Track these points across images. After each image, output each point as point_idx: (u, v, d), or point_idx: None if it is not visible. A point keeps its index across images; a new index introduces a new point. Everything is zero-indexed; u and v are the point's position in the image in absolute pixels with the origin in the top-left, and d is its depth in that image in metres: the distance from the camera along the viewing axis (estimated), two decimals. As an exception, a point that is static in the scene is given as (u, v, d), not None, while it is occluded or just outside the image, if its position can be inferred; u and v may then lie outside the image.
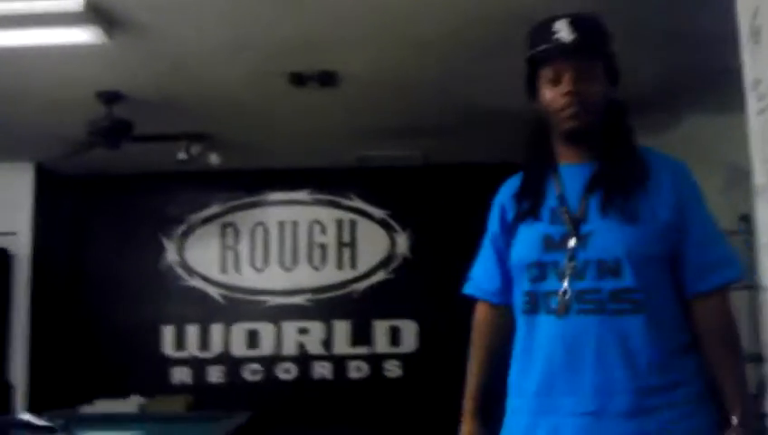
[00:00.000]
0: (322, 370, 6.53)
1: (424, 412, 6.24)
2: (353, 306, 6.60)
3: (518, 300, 1.89)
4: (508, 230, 1.94)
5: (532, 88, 1.88)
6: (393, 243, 6.66)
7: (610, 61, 1.84)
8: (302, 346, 6.55)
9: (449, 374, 6.35)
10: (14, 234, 6.00)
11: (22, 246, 6.04)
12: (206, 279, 6.64)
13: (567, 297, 1.73)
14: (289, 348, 6.55)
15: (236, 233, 6.71)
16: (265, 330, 6.57)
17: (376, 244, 6.66)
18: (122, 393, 5.99)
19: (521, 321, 1.87)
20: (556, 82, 1.79)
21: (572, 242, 1.76)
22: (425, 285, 6.53)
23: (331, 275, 6.66)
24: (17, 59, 3.82)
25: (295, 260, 6.68)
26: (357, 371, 6.53)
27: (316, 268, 6.67)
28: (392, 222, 6.67)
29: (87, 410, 5.63)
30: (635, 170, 1.80)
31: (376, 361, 6.54)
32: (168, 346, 6.54)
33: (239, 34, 3.68)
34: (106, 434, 3.79)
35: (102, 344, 6.41)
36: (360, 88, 4.50)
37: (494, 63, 4.11)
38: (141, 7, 3.32)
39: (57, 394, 5.89)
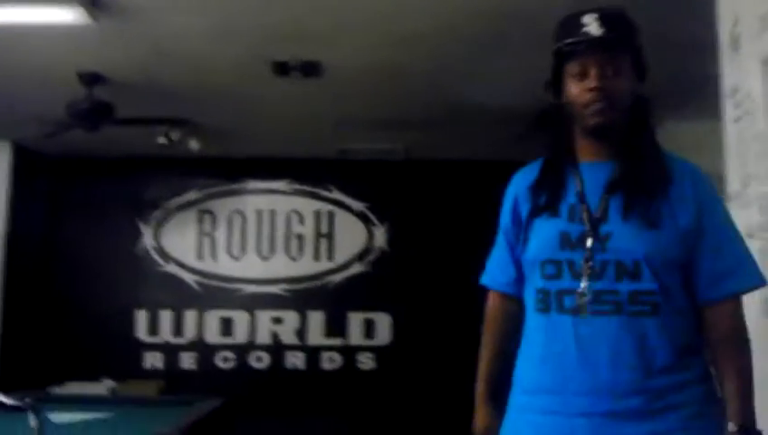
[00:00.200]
0: (295, 360, 6.54)
1: (396, 405, 6.28)
2: (329, 298, 6.62)
3: (530, 297, 1.86)
4: (520, 223, 1.89)
5: (557, 81, 1.84)
6: (371, 236, 6.67)
7: (638, 55, 1.81)
8: (275, 335, 6.56)
9: (422, 368, 6.44)
10: (-12, 213, 5.94)
11: (-4, 225, 5.98)
12: (181, 265, 6.62)
13: (584, 297, 1.72)
14: (263, 337, 6.56)
15: (214, 220, 6.69)
16: (240, 318, 6.57)
17: (354, 236, 6.68)
18: (94, 376, 5.97)
19: (532, 318, 1.84)
20: (582, 76, 1.75)
21: (590, 242, 1.74)
22: (401, 278, 6.56)
23: (307, 265, 6.67)
24: (-2, 37, 3.79)
25: (272, 249, 6.68)
26: (330, 362, 6.54)
27: (293, 258, 6.68)
28: (371, 215, 6.69)
29: (57, 391, 5.59)
30: (658, 173, 1.77)
31: (349, 353, 6.56)
32: (141, 331, 6.52)
33: (224, 20, 3.66)
34: (75, 415, 3.75)
35: (75, 327, 6.37)
36: (343, 80, 4.50)
37: (480, 60, 4.13)
38: (126, -11, 3.31)
39: (28, 375, 5.85)
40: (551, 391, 1.76)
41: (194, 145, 5.58)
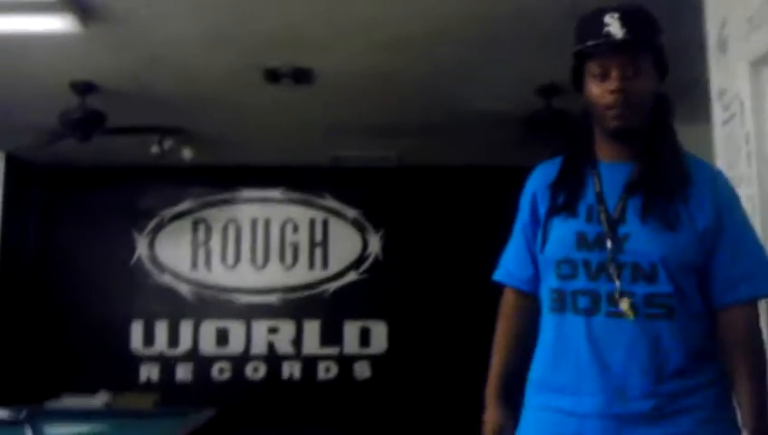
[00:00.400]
0: (292, 370, 6.51)
1: (392, 414, 6.26)
2: (324, 306, 6.60)
3: (545, 296, 1.85)
4: (537, 221, 1.88)
5: (578, 81, 1.83)
6: (365, 243, 6.66)
7: (660, 54, 1.79)
8: (271, 345, 6.53)
9: (418, 376, 6.42)
10: (-19, 224, 5.93)
11: (-11, 236, 5.96)
12: (176, 275, 6.60)
13: (600, 299, 1.71)
14: (259, 347, 6.53)
15: (208, 229, 6.67)
16: (235, 328, 6.54)
17: (348, 244, 6.67)
18: (89, 389, 5.94)
19: (548, 318, 1.84)
20: (604, 77, 1.74)
21: (608, 243, 1.73)
22: (396, 286, 6.55)
23: (302, 274, 6.65)
24: (-11, 46, 3.79)
25: (267, 258, 6.67)
26: (326, 371, 6.52)
27: (288, 267, 6.66)
28: (365, 222, 6.68)
29: (53, 404, 5.57)
30: (678, 175, 1.76)
31: (346, 362, 6.54)
32: (136, 342, 6.49)
33: (214, 28, 3.67)
34: (71, 428, 3.75)
35: (70, 339, 6.34)
36: (335, 86, 4.51)
37: (473, 65, 4.14)
38: (117, -2, 3.31)
39: (23, 388, 5.82)
40: (564, 391, 1.75)
41: (187, 154, 5.58)
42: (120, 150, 5.73)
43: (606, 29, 1.72)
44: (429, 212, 6.60)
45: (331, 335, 6.55)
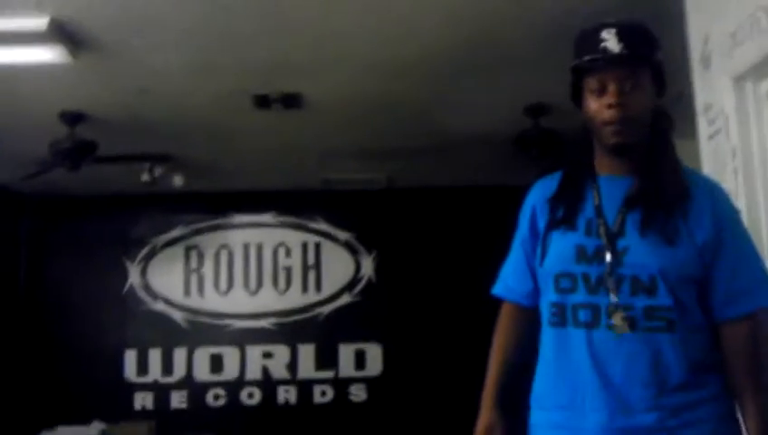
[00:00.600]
0: (287, 394, 6.48)
1: (389, 436, 6.23)
2: (318, 330, 6.58)
3: (545, 311, 1.84)
4: (536, 235, 1.88)
5: (576, 96, 1.83)
6: (358, 266, 6.66)
7: (658, 69, 1.79)
8: (266, 370, 6.50)
9: (414, 397, 6.39)
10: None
11: (-20, 267, 5.94)
12: (169, 303, 6.58)
13: (600, 312, 1.71)
14: (253, 372, 6.50)
15: (200, 256, 6.66)
16: (229, 354, 6.51)
17: (341, 267, 6.66)
18: (83, 419, 5.88)
19: (548, 333, 1.83)
20: (601, 92, 1.74)
21: (608, 256, 1.72)
22: (390, 307, 6.54)
23: (295, 298, 6.64)
24: (-21, 78, 3.80)
25: (260, 283, 6.65)
26: (322, 395, 6.49)
27: (281, 291, 6.65)
28: (357, 245, 6.68)
29: (47, 435, 5.51)
30: (677, 189, 1.75)
31: (341, 385, 6.51)
32: (130, 371, 6.44)
33: (203, 56, 3.69)
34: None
35: (64, 369, 6.29)
36: (325, 111, 4.53)
37: (460, 87, 4.17)
38: (106, 27, 3.33)
39: (17, 420, 5.78)
40: (565, 407, 1.74)
41: (178, 181, 5.58)
42: (111, 179, 5.73)
43: (603, 44, 1.73)
44: (421, 233, 6.61)
45: (326, 359, 6.52)
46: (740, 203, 2.36)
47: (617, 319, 1.69)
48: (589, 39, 1.77)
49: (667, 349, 1.68)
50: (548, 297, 1.82)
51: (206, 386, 6.45)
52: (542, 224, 1.88)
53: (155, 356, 6.47)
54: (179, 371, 6.46)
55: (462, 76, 4.02)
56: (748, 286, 1.74)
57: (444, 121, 4.75)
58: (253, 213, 6.71)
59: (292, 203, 6.69)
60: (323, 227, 6.71)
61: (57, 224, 6.62)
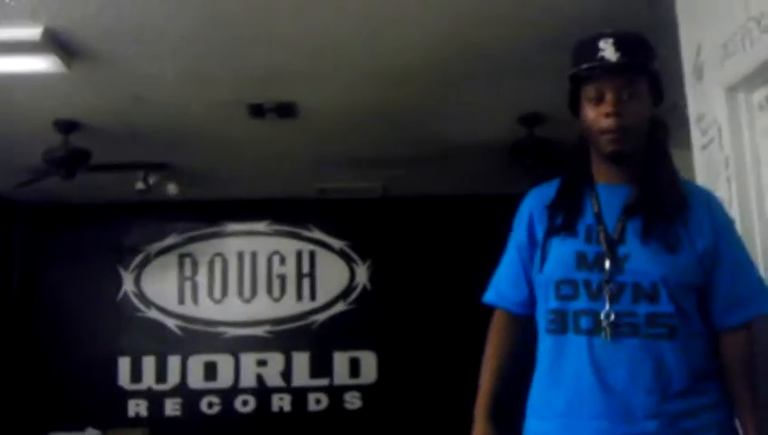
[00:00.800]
0: (281, 402, 6.47)
1: (384, 444, 6.23)
2: (313, 338, 6.57)
3: (542, 318, 1.83)
4: (535, 242, 1.87)
5: (574, 104, 1.84)
6: (353, 274, 6.66)
7: (655, 79, 1.80)
8: (260, 378, 6.49)
9: (409, 406, 6.38)
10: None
11: (-26, 276, 5.92)
12: (163, 310, 6.56)
13: (601, 319, 1.70)
14: (247, 380, 6.48)
15: (194, 264, 6.65)
16: (223, 362, 6.50)
17: (335, 275, 6.66)
18: (77, 426, 5.86)
19: (546, 340, 1.81)
20: (599, 101, 1.75)
21: (608, 263, 1.72)
22: (384, 316, 6.54)
23: (290, 306, 6.63)
24: (-27, 87, 3.80)
25: (254, 291, 6.64)
26: (316, 403, 6.48)
27: (275, 299, 6.64)
28: (352, 253, 6.68)
29: (40, 443, 5.50)
30: (676, 198, 1.77)
31: (336, 393, 6.50)
32: (124, 378, 6.42)
33: (197, 65, 3.69)
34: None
35: (57, 376, 6.27)
36: (319, 120, 4.54)
37: (456, 96, 4.18)
38: (100, 37, 3.33)
39: (11, 427, 5.75)
40: (564, 415, 1.74)
41: (172, 189, 5.58)
42: (105, 187, 5.72)
43: (601, 53, 1.74)
44: (416, 242, 6.61)
45: (321, 367, 6.51)
46: (733, 212, 2.37)
47: (604, 325, 1.69)
48: (586, 48, 1.78)
49: (669, 356, 1.68)
50: (547, 304, 1.81)
51: (201, 393, 6.44)
52: (540, 231, 1.87)
53: (149, 363, 6.45)
54: (173, 378, 6.45)
55: (457, 85, 4.03)
56: (747, 294, 1.75)
57: (439, 131, 4.76)
58: (247, 221, 6.71)
59: (286, 211, 6.69)
60: (318, 235, 6.71)
61: (51, 232, 6.60)
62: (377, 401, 6.45)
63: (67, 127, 4.37)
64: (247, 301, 6.62)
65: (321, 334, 6.58)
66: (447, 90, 4.10)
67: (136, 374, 6.43)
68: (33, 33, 3.17)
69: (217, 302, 6.60)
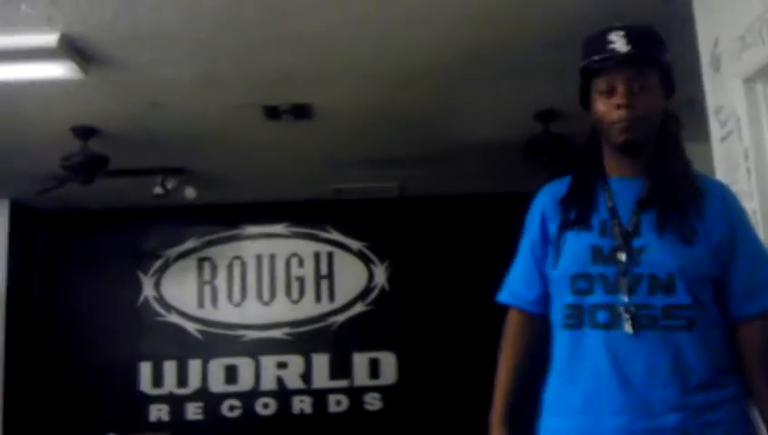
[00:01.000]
0: (302, 404, 6.48)
1: (405, 445, 6.22)
2: (332, 339, 6.58)
3: (558, 314, 1.82)
4: (548, 239, 1.86)
5: (585, 98, 1.83)
6: (371, 275, 6.66)
7: (667, 71, 1.79)
8: (280, 380, 6.51)
9: (430, 406, 6.38)
10: (-12, 271, 5.95)
11: (-4, 283, 5.97)
12: (183, 314, 6.59)
13: (621, 312, 1.69)
14: (268, 383, 6.50)
15: (213, 267, 6.68)
16: (244, 365, 6.52)
17: (354, 276, 6.66)
18: (99, 432, 5.91)
19: (562, 336, 1.80)
20: (610, 93, 1.74)
21: (623, 256, 1.72)
22: (403, 316, 6.53)
23: (309, 307, 6.64)
24: (-9, 94, 3.83)
25: (273, 294, 6.66)
26: (337, 404, 6.48)
27: (294, 301, 6.65)
28: (370, 254, 6.69)
29: (62, 449, 5.54)
30: (690, 189, 1.76)
31: (356, 394, 6.50)
32: (145, 383, 6.46)
33: (212, 70, 3.71)
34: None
35: (79, 382, 6.31)
36: (335, 121, 4.54)
37: (472, 94, 4.17)
38: (115, 43, 3.35)
39: (33, 433, 5.79)
40: (582, 411, 1.72)
41: (190, 193, 5.61)
42: (123, 192, 5.76)
43: (611, 45, 1.74)
44: (433, 241, 6.60)
45: (341, 368, 6.52)
46: (754, 203, 2.35)
47: (626, 319, 1.68)
48: (597, 41, 1.77)
49: (688, 348, 1.67)
50: (563, 300, 1.80)
51: (221, 397, 6.46)
52: (553, 227, 1.86)
53: (170, 368, 6.48)
54: (194, 382, 6.47)
55: (471, 83, 4.02)
56: (765, 284, 1.74)
57: (454, 129, 4.75)
58: (265, 224, 6.73)
59: (303, 213, 6.70)
60: (336, 236, 6.71)
61: (71, 238, 6.66)
62: (397, 401, 6.44)
63: (85, 133, 4.40)
64: (266, 303, 6.64)
65: (340, 336, 6.58)
66: (462, 88, 4.09)
67: (157, 379, 6.47)
68: (49, 39, 3.18)
69: (237, 305, 6.63)
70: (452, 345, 6.34)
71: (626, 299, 1.69)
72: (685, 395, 1.65)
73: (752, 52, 2.33)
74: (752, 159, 2.38)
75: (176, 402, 6.44)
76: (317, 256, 6.70)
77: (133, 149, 4.77)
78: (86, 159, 4.39)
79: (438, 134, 4.87)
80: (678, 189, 1.76)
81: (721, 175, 2.60)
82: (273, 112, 4.29)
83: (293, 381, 6.49)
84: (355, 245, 6.70)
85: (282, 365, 6.51)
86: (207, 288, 6.65)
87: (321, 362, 6.53)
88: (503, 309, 2.00)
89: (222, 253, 6.69)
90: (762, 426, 1.71)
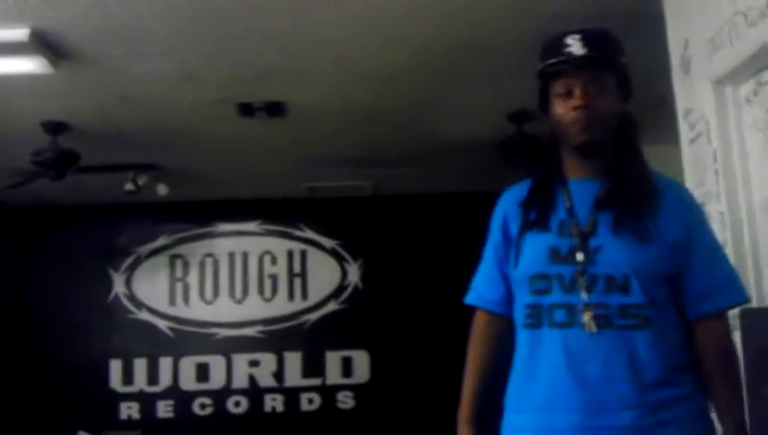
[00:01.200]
0: (274, 402, 6.46)
1: (377, 443, 6.22)
2: (305, 337, 6.57)
3: (519, 313, 1.85)
4: (509, 241, 1.89)
5: (544, 102, 1.85)
6: (344, 273, 6.66)
7: (623, 74, 1.82)
8: (252, 379, 6.48)
9: (402, 404, 6.38)
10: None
11: (-37, 279, 5.89)
12: (154, 312, 6.54)
13: (578, 311, 1.72)
14: (240, 381, 6.47)
15: (185, 265, 6.63)
16: (215, 363, 6.48)
17: (327, 274, 6.65)
18: (69, 429, 5.84)
19: (522, 335, 1.83)
20: (567, 96, 1.76)
21: (581, 256, 1.74)
22: (376, 315, 6.54)
23: (282, 305, 6.62)
24: (-40, 88, 3.78)
25: (246, 291, 6.63)
26: (309, 403, 6.47)
27: (267, 299, 6.63)
28: (343, 252, 6.68)
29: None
30: (646, 190, 1.79)
31: (328, 392, 6.50)
32: (115, 381, 6.41)
33: (185, 65, 3.68)
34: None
35: (48, 380, 6.25)
36: (309, 119, 4.53)
37: (446, 94, 4.18)
38: (87, 37, 3.31)
39: (3, 431, 5.72)
40: (541, 408, 1.75)
41: (162, 190, 5.56)
42: (94, 189, 5.70)
43: (567, 49, 1.77)
44: (407, 240, 6.61)
45: (313, 366, 6.51)
46: (722, 205, 2.38)
47: (586, 317, 1.71)
48: (554, 45, 1.81)
49: (643, 346, 1.70)
50: (523, 300, 1.84)
51: (193, 395, 6.42)
52: (514, 228, 1.89)
53: (140, 366, 6.43)
54: (165, 380, 6.43)
55: (446, 83, 4.03)
56: (722, 283, 1.77)
57: (429, 129, 4.76)
58: (238, 221, 6.70)
59: (277, 211, 6.68)
60: (309, 234, 6.70)
61: (41, 234, 6.58)
62: (370, 400, 6.45)
63: (55, 128, 4.35)
64: (239, 301, 6.61)
65: (313, 334, 6.57)
66: (438, 88, 4.10)
67: (127, 377, 6.42)
68: (19, 33, 3.14)
69: (209, 303, 6.59)
70: (425, 344, 6.36)
71: (584, 298, 1.72)
72: (640, 393, 1.68)
73: (721, 54, 2.36)
74: (720, 162, 2.41)
75: (146, 400, 6.40)
76: (290, 253, 6.69)
77: (104, 145, 4.73)
78: (57, 154, 4.34)
79: (413, 134, 4.88)
80: (635, 190, 1.79)
81: (690, 177, 2.63)
82: (246, 109, 4.27)
83: (266, 380, 6.48)
84: (328, 243, 6.69)
85: (254, 363, 6.49)
86: (179, 286, 6.60)
87: (293, 360, 6.52)
88: (473, 309, 2.02)
89: (194, 250, 6.65)
90: (719, 423, 1.74)
